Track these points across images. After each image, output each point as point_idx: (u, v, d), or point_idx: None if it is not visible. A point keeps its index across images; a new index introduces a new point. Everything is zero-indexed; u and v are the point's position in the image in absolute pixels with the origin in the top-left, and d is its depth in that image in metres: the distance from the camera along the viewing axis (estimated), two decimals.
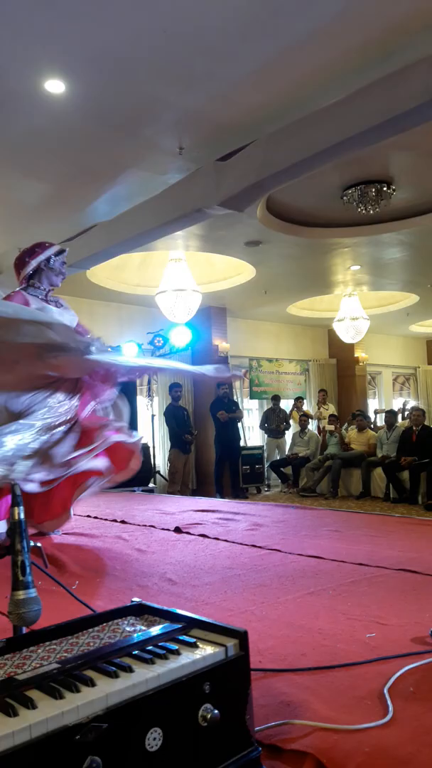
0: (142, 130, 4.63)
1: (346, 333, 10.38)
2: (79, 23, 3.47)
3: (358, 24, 3.52)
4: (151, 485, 8.76)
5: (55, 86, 4.05)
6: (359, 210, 5.72)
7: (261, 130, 4.48)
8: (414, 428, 8.31)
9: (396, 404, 12.96)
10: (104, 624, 1.16)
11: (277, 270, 8.50)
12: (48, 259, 3.53)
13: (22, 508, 1.17)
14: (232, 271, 8.74)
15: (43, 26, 3.49)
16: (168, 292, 7.81)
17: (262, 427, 11.02)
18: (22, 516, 1.15)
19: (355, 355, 12.77)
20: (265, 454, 10.85)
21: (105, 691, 0.89)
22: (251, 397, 12.04)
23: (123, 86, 4.11)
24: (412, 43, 3.59)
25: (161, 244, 7.05)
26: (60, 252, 3.61)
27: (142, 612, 1.21)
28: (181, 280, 7.80)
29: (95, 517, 4.21)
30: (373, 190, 5.54)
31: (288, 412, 11.03)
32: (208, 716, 0.94)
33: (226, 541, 3.21)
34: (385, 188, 5.58)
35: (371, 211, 5.72)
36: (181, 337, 8.56)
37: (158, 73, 3.98)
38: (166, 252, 7.71)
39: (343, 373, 13.06)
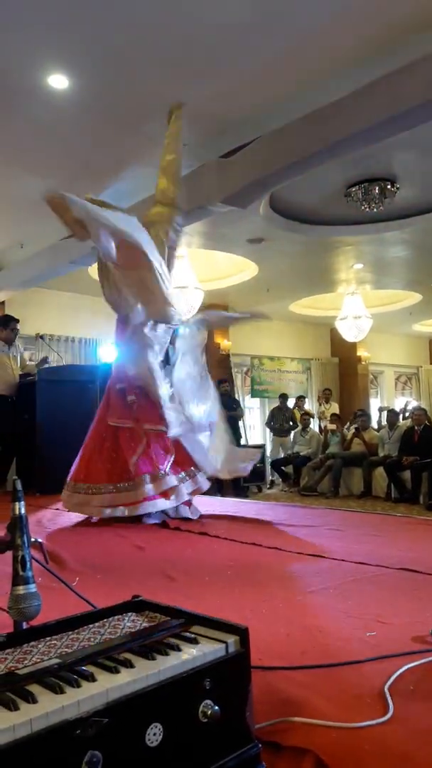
0: (146, 126, 4.63)
1: (348, 332, 10.37)
2: (83, 19, 3.46)
3: (362, 20, 3.51)
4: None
5: (58, 81, 4.05)
6: (363, 208, 5.71)
7: (264, 127, 4.47)
8: (416, 428, 8.31)
9: (398, 404, 12.94)
10: (105, 620, 1.16)
11: (280, 268, 8.49)
12: None
13: (23, 503, 1.17)
14: (235, 268, 8.73)
15: (47, 21, 3.48)
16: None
17: (268, 425, 11.01)
18: (23, 511, 1.15)
19: (358, 354, 12.76)
20: (269, 453, 10.85)
21: (105, 686, 0.89)
22: (252, 396, 12.03)
23: (126, 82, 4.10)
24: (417, 39, 3.58)
25: None
26: None
27: (142, 608, 1.21)
28: (183, 277, 7.79)
29: None
30: (377, 188, 5.54)
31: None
32: (209, 712, 0.94)
33: (226, 539, 3.20)
34: (389, 186, 5.57)
35: (375, 210, 5.71)
36: None
37: (162, 69, 3.97)
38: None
39: (345, 372, 13.05)
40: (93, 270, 7.78)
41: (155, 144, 4.91)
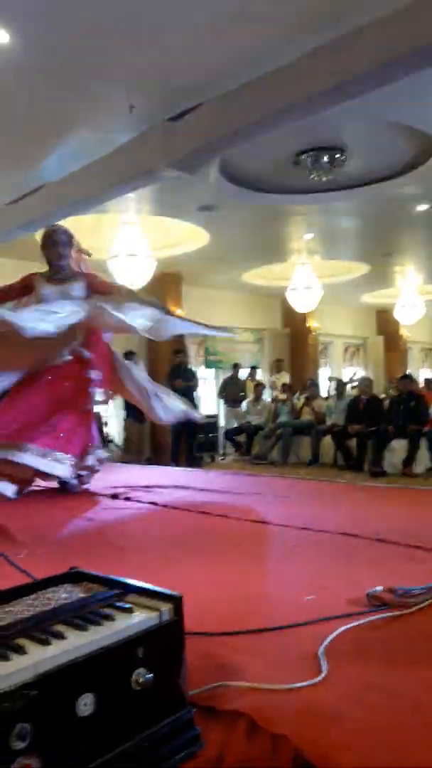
0: (92, 87, 4.47)
1: (299, 302, 10.44)
2: None
3: None
4: (104, 454, 8.71)
5: None
6: (312, 177, 5.71)
7: (213, 91, 4.38)
8: (362, 397, 8.50)
9: (346, 374, 13.18)
10: (39, 592, 1.15)
11: (232, 236, 8.44)
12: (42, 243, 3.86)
13: None
14: (186, 236, 8.63)
15: None
16: (120, 257, 7.66)
17: (220, 395, 11.06)
18: None
19: (308, 325, 12.88)
20: (222, 423, 10.93)
21: (35, 659, 0.88)
22: (206, 366, 12.04)
23: (72, 39, 3.94)
24: (365, 5, 3.54)
25: (113, 207, 6.88)
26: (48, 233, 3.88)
27: (79, 579, 1.20)
28: (133, 244, 7.65)
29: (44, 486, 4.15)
30: (326, 156, 5.53)
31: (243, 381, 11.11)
32: (141, 680, 0.94)
33: (175, 508, 3.22)
34: (337, 155, 5.57)
35: (323, 178, 5.71)
36: None
37: (108, 28, 3.83)
38: (118, 215, 7.54)
39: (295, 343, 13.18)
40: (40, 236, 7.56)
41: (101, 107, 4.76)
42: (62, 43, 3.97)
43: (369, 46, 3.30)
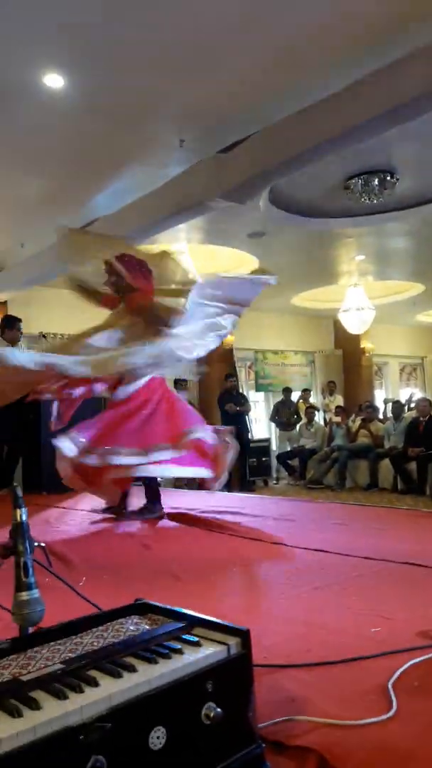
0: (143, 124, 4.62)
1: (351, 323, 10.33)
2: (78, 16, 3.45)
3: (358, 13, 3.49)
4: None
5: (53, 81, 4.04)
6: (362, 200, 5.70)
7: (262, 122, 4.45)
8: (421, 419, 8.29)
9: (403, 395, 12.91)
10: (108, 623, 1.17)
11: (281, 261, 8.47)
12: None
13: (25, 509, 1.18)
14: (236, 263, 8.71)
15: (41, 20, 3.47)
16: None
17: (272, 419, 11.00)
18: (25, 518, 1.16)
19: (362, 346, 12.71)
20: (274, 446, 10.85)
21: (108, 691, 0.89)
22: (257, 390, 12.03)
23: (123, 79, 4.09)
24: (415, 29, 3.55)
25: (163, 237, 7.02)
26: None
27: (145, 611, 1.22)
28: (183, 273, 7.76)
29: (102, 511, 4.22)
30: (376, 179, 5.52)
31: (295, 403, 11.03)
32: (212, 714, 0.94)
33: (231, 535, 3.21)
34: (388, 178, 5.55)
35: (374, 201, 5.69)
36: None
37: (158, 66, 3.96)
38: (168, 245, 7.68)
39: (349, 364, 13.01)
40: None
41: (153, 142, 4.90)
42: (113, 84, 4.13)
43: (418, 72, 3.30)
